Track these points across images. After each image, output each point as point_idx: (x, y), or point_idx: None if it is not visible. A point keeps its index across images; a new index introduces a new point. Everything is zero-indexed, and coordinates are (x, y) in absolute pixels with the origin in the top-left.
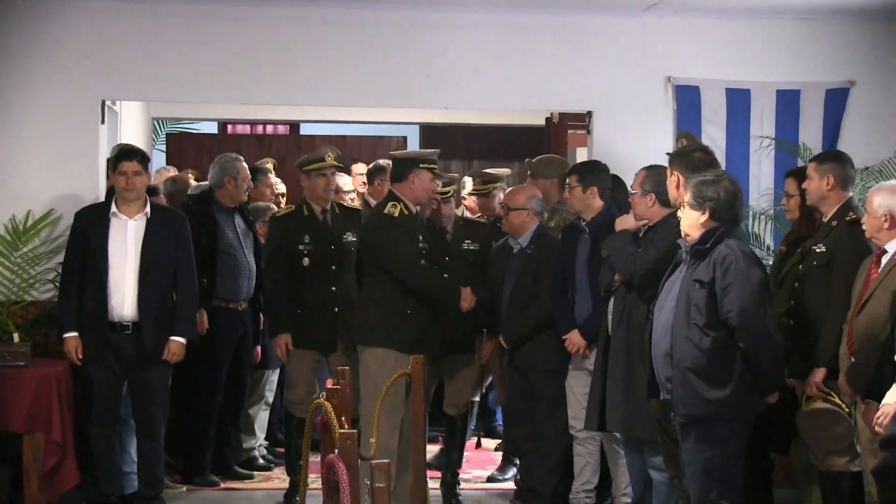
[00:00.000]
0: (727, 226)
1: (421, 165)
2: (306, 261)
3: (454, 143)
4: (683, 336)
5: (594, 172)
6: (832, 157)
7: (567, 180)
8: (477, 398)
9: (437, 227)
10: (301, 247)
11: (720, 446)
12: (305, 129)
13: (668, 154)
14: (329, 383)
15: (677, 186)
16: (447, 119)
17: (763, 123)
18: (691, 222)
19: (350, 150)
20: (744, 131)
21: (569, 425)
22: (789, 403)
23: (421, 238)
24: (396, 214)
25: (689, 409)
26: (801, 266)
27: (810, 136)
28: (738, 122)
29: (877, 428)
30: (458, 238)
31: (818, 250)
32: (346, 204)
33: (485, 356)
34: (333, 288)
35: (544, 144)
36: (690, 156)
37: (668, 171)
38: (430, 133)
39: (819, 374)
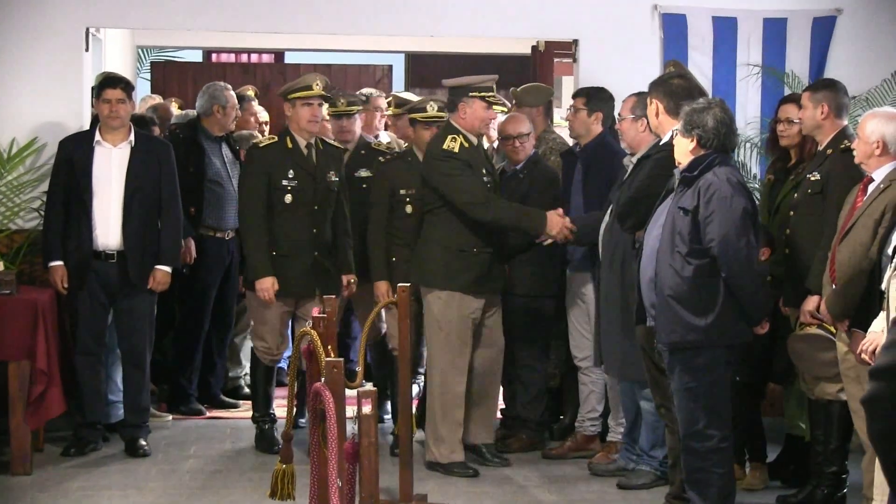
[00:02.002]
0: (718, 154)
1: (470, 94)
2: (289, 198)
3: (440, 72)
4: (667, 263)
5: (602, 98)
6: (826, 85)
7: (573, 102)
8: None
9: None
10: (285, 182)
11: (705, 374)
12: (290, 58)
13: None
14: (315, 311)
15: (657, 114)
16: (433, 48)
17: (750, 52)
18: (682, 150)
19: (335, 78)
20: (730, 59)
21: (571, 355)
22: (786, 334)
23: (484, 171)
24: (457, 149)
25: (671, 337)
26: (796, 194)
27: (797, 64)
28: (724, 50)
29: (863, 356)
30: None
31: (813, 178)
32: (328, 140)
33: None
34: (314, 230)
35: (531, 73)
36: (669, 83)
37: (648, 100)
38: (416, 62)
39: (811, 302)
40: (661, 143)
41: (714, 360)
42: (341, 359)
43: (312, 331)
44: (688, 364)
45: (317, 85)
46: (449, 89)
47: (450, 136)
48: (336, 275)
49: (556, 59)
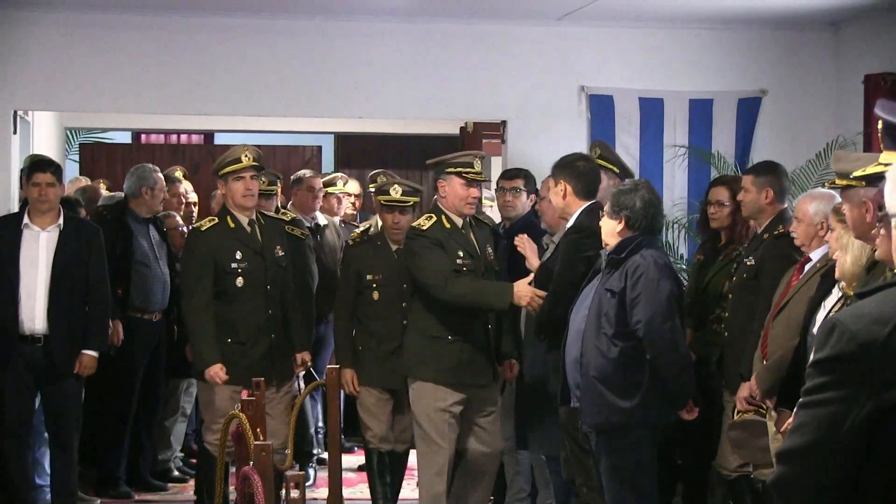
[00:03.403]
0: (645, 236)
1: (447, 171)
2: (240, 281)
3: (368, 152)
4: (592, 344)
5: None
6: (768, 169)
7: (514, 183)
8: None
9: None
10: (234, 265)
11: (631, 455)
12: (220, 139)
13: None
14: (243, 394)
15: (564, 196)
16: (361, 128)
17: (676, 132)
18: (609, 231)
19: (265, 159)
20: (657, 140)
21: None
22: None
23: (461, 253)
24: (426, 227)
25: (596, 418)
26: (734, 278)
27: (723, 144)
28: (651, 131)
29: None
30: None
31: (749, 263)
32: (268, 213)
33: None
34: (269, 311)
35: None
36: (575, 165)
37: (553, 181)
38: (345, 142)
39: (746, 388)
40: (568, 226)
41: (639, 441)
42: (269, 442)
43: (241, 413)
44: (613, 445)
45: (246, 157)
46: (431, 168)
47: (426, 215)
48: (290, 355)
49: (484, 140)
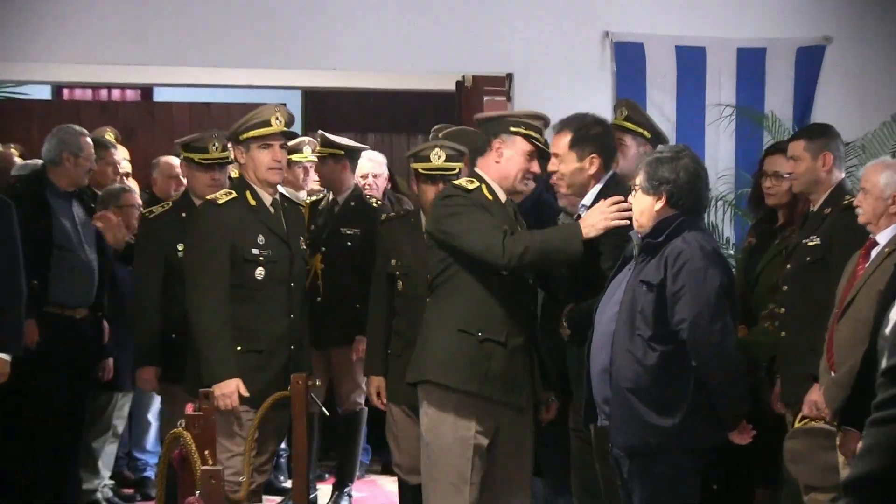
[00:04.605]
0: (687, 215)
1: (512, 129)
2: (260, 273)
3: (343, 113)
4: (625, 349)
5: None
6: (821, 130)
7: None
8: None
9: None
10: (255, 251)
11: (669, 484)
12: (160, 95)
13: (565, 132)
14: (189, 408)
15: (596, 173)
16: (335, 82)
17: (721, 89)
18: (643, 209)
19: (216, 121)
20: (698, 98)
21: None
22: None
23: (505, 228)
24: (470, 188)
25: (629, 439)
26: (788, 265)
27: (778, 103)
28: (690, 87)
29: None
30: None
31: (811, 244)
32: (288, 194)
33: None
34: (291, 316)
35: (455, 113)
36: (598, 133)
37: (573, 154)
38: (315, 100)
39: (816, 391)
40: (585, 206)
41: (681, 468)
42: (218, 467)
43: (185, 432)
44: (650, 472)
45: (277, 119)
46: (481, 124)
47: (467, 179)
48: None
49: (486, 97)
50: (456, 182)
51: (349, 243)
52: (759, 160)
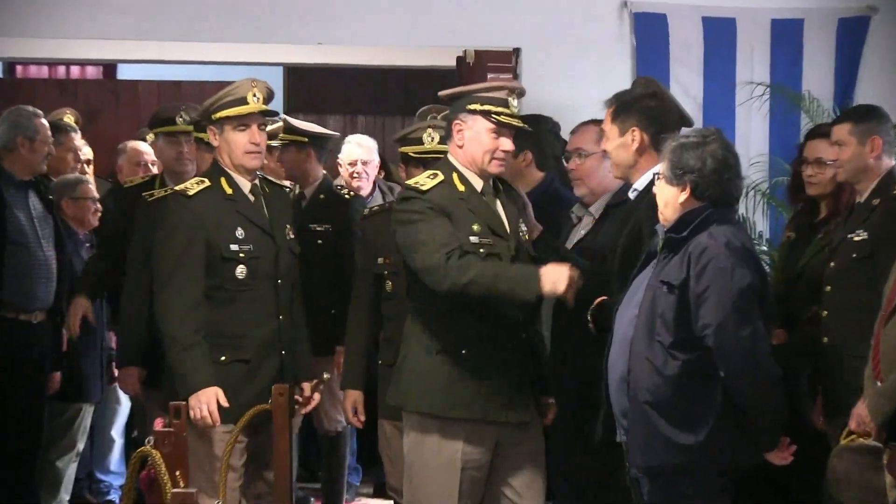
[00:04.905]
0: (717, 208)
1: (469, 108)
2: (241, 271)
3: (330, 92)
4: (643, 357)
5: (535, 129)
6: (869, 113)
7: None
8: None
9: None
10: (234, 247)
11: None
12: (125, 72)
13: (611, 105)
14: (158, 423)
15: (639, 149)
16: (321, 59)
17: (754, 64)
18: (668, 201)
19: (187, 101)
20: (727, 75)
21: None
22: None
23: (477, 228)
24: (426, 188)
25: (648, 459)
26: (832, 262)
27: (817, 81)
28: (719, 63)
29: None
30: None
31: (857, 239)
32: (272, 179)
33: None
34: (280, 317)
35: None
36: (644, 103)
37: (615, 128)
38: (298, 78)
39: (864, 404)
40: (637, 189)
41: (706, 490)
42: (192, 489)
43: (154, 450)
44: (671, 495)
45: (254, 97)
46: (447, 104)
47: (429, 172)
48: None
49: (490, 75)
50: (411, 181)
51: (319, 241)
52: (795, 145)
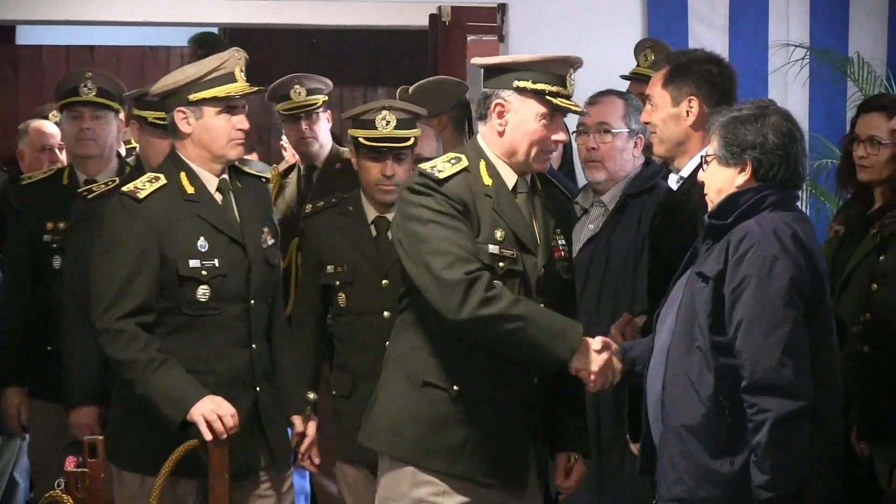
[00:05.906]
0: (776, 190)
1: (519, 84)
2: (203, 292)
3: (277, 57)
4: (680, 371)
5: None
6: None
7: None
8: None
9: None
10: (194, 262)
11: None
12: (25, 36)
13: (663, 66)
14: (70, 463)
15: (696, 124)
16: (266, 18)
17: (790, 25)
18: (722, 186)
19: (102, 66)
20: (758, 37)
21: None
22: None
23: (501, 236)
24: (443, 175)
25: (675, 490)
26: (882, 257)
27: (867, 43)
28: (747, 23)
29: None
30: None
31: None
32: (246, 169)
33: None
34: (254, 346)
35: (428, 59)
36: (702, 67)
37: (667, 95)
38: (238, 41)
39: None
40: (683, 177)
41: None
42: None
43: (66, 496)
44: None
45: (241, 72)
46: (483, 77)
47: (450, 156)
48: (284, 420)
49: (469, 36)
50: (426, 165)
51: None
52: (845, 120)
